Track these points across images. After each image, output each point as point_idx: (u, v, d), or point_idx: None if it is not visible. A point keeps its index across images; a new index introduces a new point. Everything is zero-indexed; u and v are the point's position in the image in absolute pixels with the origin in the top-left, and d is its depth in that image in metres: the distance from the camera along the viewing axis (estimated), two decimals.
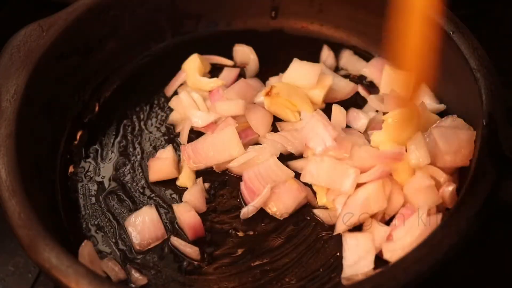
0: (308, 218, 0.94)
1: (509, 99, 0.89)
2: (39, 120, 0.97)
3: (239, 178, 0.97)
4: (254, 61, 1.14)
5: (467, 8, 1.16)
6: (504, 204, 0.81)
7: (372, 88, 1.10)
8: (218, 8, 1.18)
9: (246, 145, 0.99)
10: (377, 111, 1.04)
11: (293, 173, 0.95)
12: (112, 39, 1.11)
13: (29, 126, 0.92)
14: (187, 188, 0.97)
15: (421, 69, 0.77)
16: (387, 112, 0.96)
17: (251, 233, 0.93)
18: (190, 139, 1.03)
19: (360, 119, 1.03)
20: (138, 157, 1.03)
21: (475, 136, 0.88)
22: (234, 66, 1.16)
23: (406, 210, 0.87)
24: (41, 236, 0.77)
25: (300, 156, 0.99)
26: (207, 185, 0.98)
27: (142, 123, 1.08)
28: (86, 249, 0.88)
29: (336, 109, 1.03)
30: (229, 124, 0.99)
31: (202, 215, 0.94)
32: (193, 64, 1.11)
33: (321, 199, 0.94)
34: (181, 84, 1.12)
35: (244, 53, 1.15)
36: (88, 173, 1.01)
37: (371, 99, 1.05)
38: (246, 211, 0.93)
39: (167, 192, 0.98)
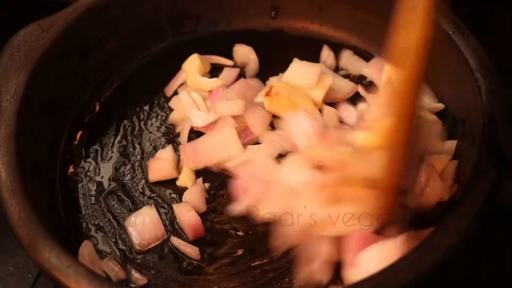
0: None
1: (509, 99, 0.89)
2: (39, 120, 0.97)
3: None
4: (254, 61, 1.14)
5: (467, 8, 1.16)
6: (504, 204, 0.81)
7: (372, 88, 1.10)
8: (218, 8, 1.18)
9: (245, 145, 0.99)
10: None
11: None
12: (112, 39, 1.11)
13: (29, 126, 0.92)
14: (187, 188, 0.97)
15: (417, 68, 0.77)
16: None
17: (251, 233, 0.93)
18: (190, 139, 1.03)
19: (352, 114, 1.03)
20: (138, 157, 1.03)
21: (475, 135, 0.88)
22: (234, 66, 1.16)
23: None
24: (41, 236, 0.77)
25: None
26: (207, 185, 0.98)
27: (142, 123, 1.08)
28: (86, 249, 0.88)
29: (327, 108, 1.04)
30: (228, 123, 0.99)
31: (202, 215, 0.94)
32: (193, 64, 1.11)
33: None
34: (181, 84, 1.12)
35: (244, 53, 1.15)
36: (88, 173, 1.01)
37: (371, 99, 1.05)
38: (235, 208, 0.92)
39: (167, 192, 0.98)
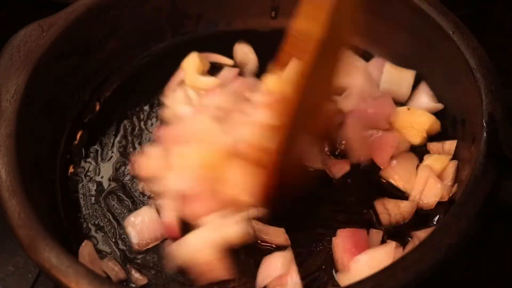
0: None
1: (509, 99, 0.89)
2: (39, 120, 0.97)
3: None
4: (253, 61, 1.14)
5: (467, 8, 1.16)
6: (504, 204, 0.81)
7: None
8: (218, 8, 1.18)
9: None
10: None
11: None
12: (112, 39, 1.11)
13: (29, 126, 0.92)
14: None
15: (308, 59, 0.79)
16: None
17: (251, 232, 0.93)
18: None
19: None
20: None
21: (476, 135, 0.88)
22: (234, 66, 1.16)
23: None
24: (41, 236, 0.77)
25: None
26: None
27: (142, 123, 1.08)
28: (86, 249, 0.88)
29: None
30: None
31: None
32: (192, 62, 1.11)
33: None
34: (181, 83, 1.12)
35: (244, 52, 1.15)
36: (88, 173, 1.01)
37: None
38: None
39: None
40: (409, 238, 0.90)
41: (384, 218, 0.92)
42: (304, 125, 0.86)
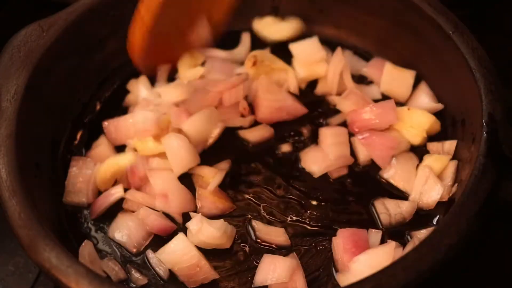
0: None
1: (509, 99, 0.89)
2: (39, 120, 0.96)
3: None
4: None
5: (467, 8, 1.15)
6: (504, 204, 0.81)
7: (371, 87, 1.10)
8: None
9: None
10: None
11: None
12: (112, 39, 1.11)
13: (29, 126, 0.92)
14: None
15: None
16: None
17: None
18: None
19: None
20: None
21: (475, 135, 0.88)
22: None
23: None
24: (41, 236, 0.77)
25: None
26: None
27: None
28: (86, 249, 0.88)
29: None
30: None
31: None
32: (183, 58, 1.12)
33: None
34: (175, 78, 1.12)
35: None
36: None
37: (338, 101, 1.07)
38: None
39: None
40: (409, 238, 0.90)
41: (384, 218, 0.92)
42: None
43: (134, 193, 0.95)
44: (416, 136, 1.00)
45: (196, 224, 0.89)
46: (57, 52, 0.99)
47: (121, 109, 1.09)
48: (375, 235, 0.90)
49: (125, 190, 0.96)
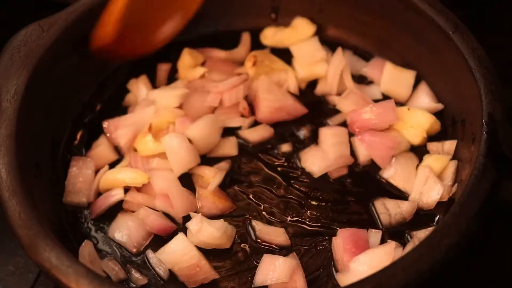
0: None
1: (509, 99, 0.89)
2: (39, 120, 0.96)
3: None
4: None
5: (467, 8, 1.16)
6: (504, 204, 0.81)
7: (371, 87, 1.10)
8: (218, 8, 1.18)
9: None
10: None
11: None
12: None
13: (29, 126, 0.92)
14: None
15: None
16: None
17: (251, 232, 0.93)
18: None
19: None
20: None
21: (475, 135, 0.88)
22: None
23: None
24: (41, 236, 0.77)
25: None
26: None
27: None
28: (86, 249, 0.88)
29: None
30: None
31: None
32: (183, 58, 1.13)
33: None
34: (174, 78, 1.13)
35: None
36: None
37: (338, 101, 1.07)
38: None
39: None
40: (409, 238, 0.90)
41: (384, 218, 0.92)
42: None
43: (134, 194, 0.95)
44: (416, 136, 1.00)
45: (196, 224, 0.89)
46: (57, 52, 0.99)
47: (121, 109, 1.09)
48: (375, 235, 0.90)
49: (125, 190, 0.96)
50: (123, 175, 0.96)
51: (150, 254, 0.89)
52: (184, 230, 0.91)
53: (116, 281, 0.86)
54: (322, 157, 0.99)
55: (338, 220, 0.94)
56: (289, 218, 0.94)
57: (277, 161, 1.02)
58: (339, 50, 1.09)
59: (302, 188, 0.98)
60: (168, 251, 0.88)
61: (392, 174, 0.97)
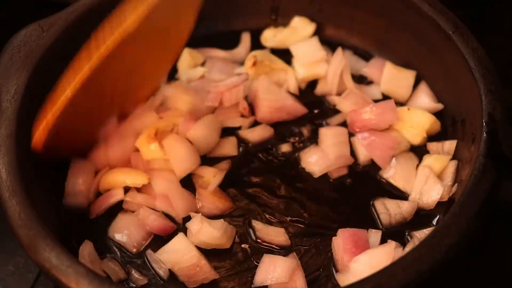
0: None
1: (509, 99, 0.89)
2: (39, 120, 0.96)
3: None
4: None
5: (467, 8, 1.16)
6: (504, 204, 0.81)
7: (371, 87, 1.10)
8: (218, 8, 1.18)
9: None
10: None
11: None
12: None
13: (29, 126, 0.92)
14: None
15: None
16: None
17: (251, 232, 0.93)
18: None
19: None
20: None
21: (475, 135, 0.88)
22: None
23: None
24: (41, 236, 0.77)
25: None
26: None
27: None
28: (86, 249, 0.88)
29: None
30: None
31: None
32: (183, 58, 1.12)
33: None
34: (175, 78, 1.12)
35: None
36: None
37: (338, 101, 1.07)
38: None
39: None
40: (409, 238, 0.90)
41: (384, 218, 0.92)
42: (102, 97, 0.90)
43: (134, 194, 0.95)
44: (416, 136, 1.00)
45: (196, 224, 0.89)
46: (57, 52, 0.99)
47: None
48: (375, 235, 0.90)
49: (126, 190, 0.96)
50: (123, 175, 0.96)
51: (150, 254, 0.89)
52: (184, 230, 0.91)
53: (116, 281, 0.86)
54: (322, 157, 0.99)
55: (338, 220, 0.94)
56: (289, 218, 0.94)
57: (277, 161, 1.02)
58: (339, 50, 1.09)
59: (302, 188, 0.98)
60: (168, 251, 0.88)
61: (392, 174, 0.97)
